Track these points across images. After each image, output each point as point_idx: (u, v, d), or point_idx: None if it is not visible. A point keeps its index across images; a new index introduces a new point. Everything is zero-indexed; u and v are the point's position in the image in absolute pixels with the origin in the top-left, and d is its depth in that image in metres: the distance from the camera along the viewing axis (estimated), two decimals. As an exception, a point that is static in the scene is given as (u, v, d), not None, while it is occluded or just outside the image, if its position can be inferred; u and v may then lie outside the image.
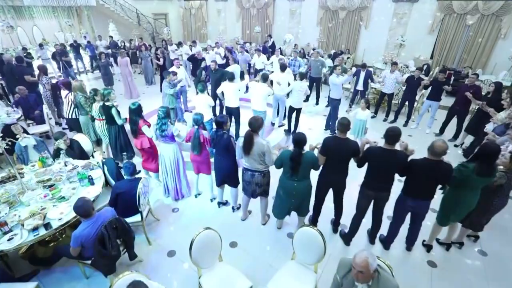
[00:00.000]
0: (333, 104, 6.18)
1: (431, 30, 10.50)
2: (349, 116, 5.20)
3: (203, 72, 7.14)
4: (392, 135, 2.73)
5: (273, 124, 6.82)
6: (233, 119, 5.72)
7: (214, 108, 6.50)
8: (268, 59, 8.98)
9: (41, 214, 2.70)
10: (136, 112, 3.86)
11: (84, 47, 11.25)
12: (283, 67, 6.21)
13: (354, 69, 6.65)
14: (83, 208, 2.37)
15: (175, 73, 6.04)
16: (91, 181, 3.26)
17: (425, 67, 10.76)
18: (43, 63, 9.81)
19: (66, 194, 3.02)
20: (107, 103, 4.21)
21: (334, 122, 6.34)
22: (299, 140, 2.86)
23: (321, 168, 3.13)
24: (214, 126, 3.48)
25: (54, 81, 6.55)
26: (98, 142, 4.89)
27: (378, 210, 3.15)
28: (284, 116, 6.80)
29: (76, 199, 2.46)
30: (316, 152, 3.11)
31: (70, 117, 5.05)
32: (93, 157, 4.46)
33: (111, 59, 10.05)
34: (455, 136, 6.18)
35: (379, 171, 2.88)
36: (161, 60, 9.35)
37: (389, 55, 8.40)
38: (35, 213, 2.70)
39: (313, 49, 12.27)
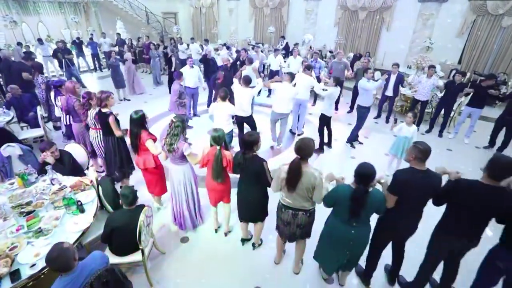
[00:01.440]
0: (361, 112, 5.43)
1: (461, 33, 9.69)
2: (391, 132, 4.58)
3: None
4: (503, 167, 1.92)
5: (292, 132, 6.10)
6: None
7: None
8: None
9: (9, 258, 2.01)
10: (138, 123, 3.12)
11: (86, 44, 10.68)
12: (308, 68, 5.52)
13: (386, 75, 5.90)
14: (59, 262, 1.68)
15: (181, 74, 5.39)
16: (81, 208, 2.58)
17: (453, 72, 9.97)
18: (44, 60, 9.34)
19: (47, 226, 2.35)
20: (104, 110, 3.54)
21: (356, 132, 5.62)
22: (366, 174, 2.07)
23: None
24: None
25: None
26: (93, 154, 4.19)
27: (454, 263, 2.38)
28: (304, 123, 6.12)
29: (60, 233, 1.78)
30: (380, 187, 2.34)
31: (66, 123, 4.40)
32: (87, 169, 3.81)
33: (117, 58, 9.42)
34: (500, 149, 5.40)
35: (471, 214, 2.09)
36: (173, 59, 8.75)
37: (422, 58, 7.61)
38: (0, 255, 2.02)
39: (330, 52, 11.60)
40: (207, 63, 7.19)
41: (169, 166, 3.13)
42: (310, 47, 11.40)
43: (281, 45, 12.83)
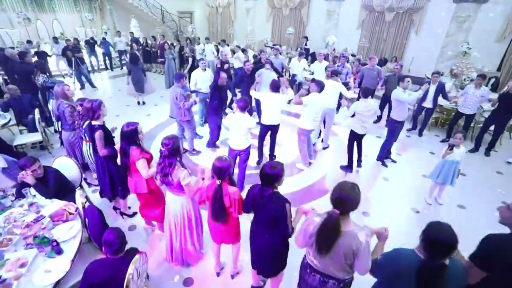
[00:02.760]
0: (394, 127, 4.70)
1: (502, 37, 8.75)
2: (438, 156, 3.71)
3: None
4: None
5: (313, 144, 5.44)
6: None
7: None
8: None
9: None
10: (129, 138, 2.60)
11: (99, 44, 10.37)
12: (336, 73, 4.87)
13: (426, 84, 5.10)
14: None
15: (182, 76, 4.79)
16: (57, 249, 2.03)
17: (492, 80, 9.03)
18: (57, 59, 9.07)
19: (8, 276, 1.80)
20: (94, 122, 2.96)
21: (388, 149, 4.91)
22: (445, 244, 1.39)
23: None
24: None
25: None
26: (86, 166, 3.68)
27: None
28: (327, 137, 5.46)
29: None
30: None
31: (58, 129, 3.92)
32: (81, 187, 3.29)
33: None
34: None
35: None
36: (190, 60, 8.29)
37: (464, 66, 6.78)
38: None
39: (352, 55, 10.84)
40: (221, 65, 6.61)
41: (167, 194, 2.57)
42: (333, 50, 10.69)
43: (305, 45, 12.17)
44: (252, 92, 4.64)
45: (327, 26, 12.15)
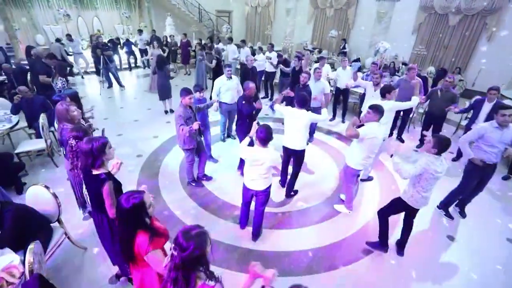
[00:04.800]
0: (472, 169, 3.46)
1: None
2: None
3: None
4: None
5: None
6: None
7: None
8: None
9: None
10: (133, 217, 1.66)
11: (122, 45, 10.20)
12: (389, 90, 3.80)
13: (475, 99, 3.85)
14: None
15: (200, 88, 4.12)
16: None
17: None
18: (75, 58, 8.99)
19: None
20: (96, 172, 2.03)
21: (458, 197, 3.71)
22: None
23: None
24: None
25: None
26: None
27: None
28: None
29: None
30: None
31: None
32: (59, 222, 2.69)
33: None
34: None
35: None
36: (213, 62, 7.63)
37: None
38: None
39: (403, 63, 9.41)
40: (246, 72, 5.79)
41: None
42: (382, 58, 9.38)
43: (343, 49, 11.04)
44: (276, 106, 3.76)
45: (376, 29, 10.77)
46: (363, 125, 3.15)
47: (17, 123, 4.46)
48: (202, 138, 4.13)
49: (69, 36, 8.99)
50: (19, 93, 4.48)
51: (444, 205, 3.75)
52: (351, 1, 11.23)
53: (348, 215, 3.70)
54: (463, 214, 3.75)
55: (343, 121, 6.64)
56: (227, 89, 4.76)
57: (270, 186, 2.88)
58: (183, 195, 3.93)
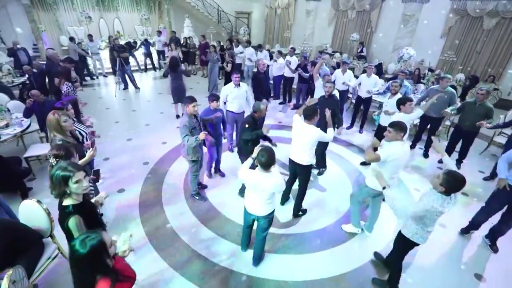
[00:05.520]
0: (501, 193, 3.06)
1: None
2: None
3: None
4: None
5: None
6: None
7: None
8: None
9: None
10: (89, 264, 1.38)
11: (138, 46, 10.25)
12: (403, 102, 3.46)
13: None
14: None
15: (215, 97, 3.79)
16: None
17: None
18: (93, 58, 9.15)
19: None
20: (66, 202, 1.80)
21: (480, 221, 3.32)
22: None
23: None
24: None
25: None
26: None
27: None
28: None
29: None
30: None
31: None
32: (51, 237, 2.60)
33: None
34: None
35: None
36: (229, 66, 7.47)
37: None
38: None
39: (430, 70, 8.80)
40: (257, 77, 5.52)
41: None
42: (405, 62, 8.84)
43: (361, 52, 10.57)
44: (295, 117, 3.45)
45: (401, 33, 10.19)
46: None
47: (28, 127, 4.49)
48: (205, 149, 3.95)
49: (90, 37, 9.14)
50: (31, 97, 4.51)
51: (466, 230, 3.39)
52: (375, 2, 10.71)
53: (363, 238, 3.37)
54: (494, 248, 3.31)
55: (360, 132, 6.25)
56: (234, 97, 4.53)
57: (273, 211, 2.62)
58: (184, 208, 3.76)
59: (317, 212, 3.79)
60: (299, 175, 3.48)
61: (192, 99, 3.32)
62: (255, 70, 8.99)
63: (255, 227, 2.84)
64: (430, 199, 2.16)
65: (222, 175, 4.48)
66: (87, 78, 9.34)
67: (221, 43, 10.12)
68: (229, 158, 4.98)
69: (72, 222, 1.74)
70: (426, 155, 5.37)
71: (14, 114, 4.77)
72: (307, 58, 7.35)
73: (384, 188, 2.40)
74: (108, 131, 5.76)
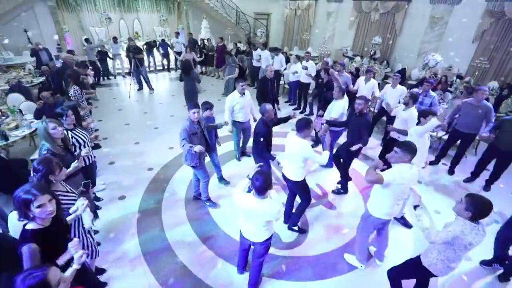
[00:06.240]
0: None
1: None
2: None
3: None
4: None
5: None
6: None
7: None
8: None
9: None
10: None
11: (157, 46, 10.29)
12: (423, 114, 3.16)
13: None
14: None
15: (209, 106, 3.60)
16: None
17: None
18: (115, 59, 9.32)
19: None
20: (29, 225, 1.67)
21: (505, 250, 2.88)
22: None
23: None
24: None
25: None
26: None
27: None
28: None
29: None
30: None
31: None
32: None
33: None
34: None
35: None
36: (236, 71, 7.31)
37: None
38: None
39: (459, 77, 8.17)
40: (265, 83, 5.22)
41: None
42: (430, 68, 8.27)
43: (375, 54, 10.03)
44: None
45: (427, 37, 9.53)
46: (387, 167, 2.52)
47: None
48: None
49: (115, 39, 9.19)
50: (42, 99, 4.55)
51: (489, 262, 3.00)
52: (400, 4, 10.12)
53: (373, 267, 3.05)
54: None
55: (382, 145, 5.79)
56: (241, 107, 4.32)
57: (271, 237, 2.38)
58: (183, 220, 3.60)
59: (323, 233, 3.50)
60: (295, 191, 3.27)
61: (194, 105, 3.23)
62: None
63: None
64: (459, 224, 1.95)
65: (226, 183, 4.30)
66: (104, 78, 9.49)
67: (238, 46, 9.94)
68: (235, 167, 4.79)
69: (25, 250, 1.57)
70: (451, 171, 4.90)
71: (26, 115, 4.84)
72: (328, 63, 6.89)
73: (415, 207, 2.19)
74: (116, 133, 5.75)
